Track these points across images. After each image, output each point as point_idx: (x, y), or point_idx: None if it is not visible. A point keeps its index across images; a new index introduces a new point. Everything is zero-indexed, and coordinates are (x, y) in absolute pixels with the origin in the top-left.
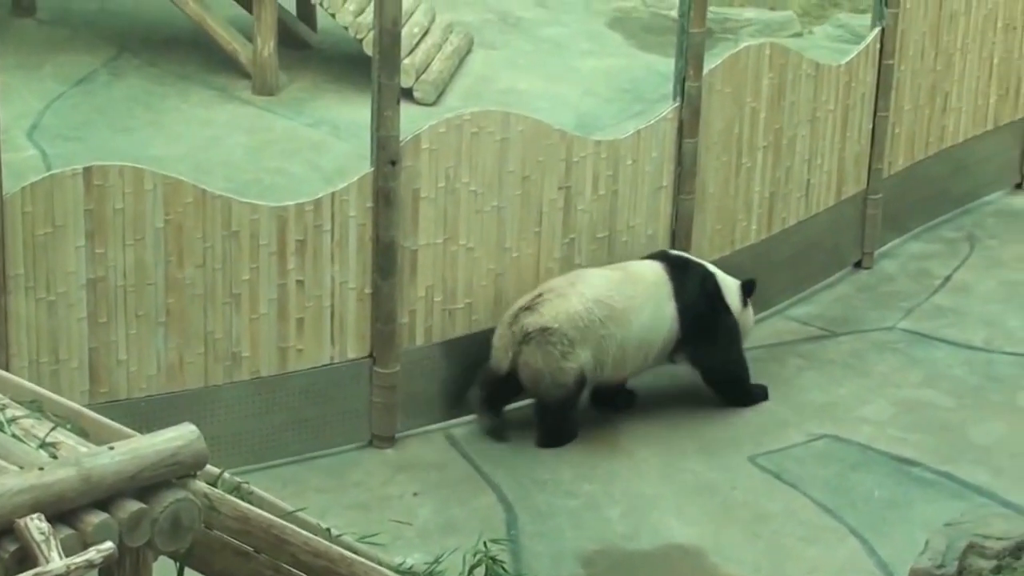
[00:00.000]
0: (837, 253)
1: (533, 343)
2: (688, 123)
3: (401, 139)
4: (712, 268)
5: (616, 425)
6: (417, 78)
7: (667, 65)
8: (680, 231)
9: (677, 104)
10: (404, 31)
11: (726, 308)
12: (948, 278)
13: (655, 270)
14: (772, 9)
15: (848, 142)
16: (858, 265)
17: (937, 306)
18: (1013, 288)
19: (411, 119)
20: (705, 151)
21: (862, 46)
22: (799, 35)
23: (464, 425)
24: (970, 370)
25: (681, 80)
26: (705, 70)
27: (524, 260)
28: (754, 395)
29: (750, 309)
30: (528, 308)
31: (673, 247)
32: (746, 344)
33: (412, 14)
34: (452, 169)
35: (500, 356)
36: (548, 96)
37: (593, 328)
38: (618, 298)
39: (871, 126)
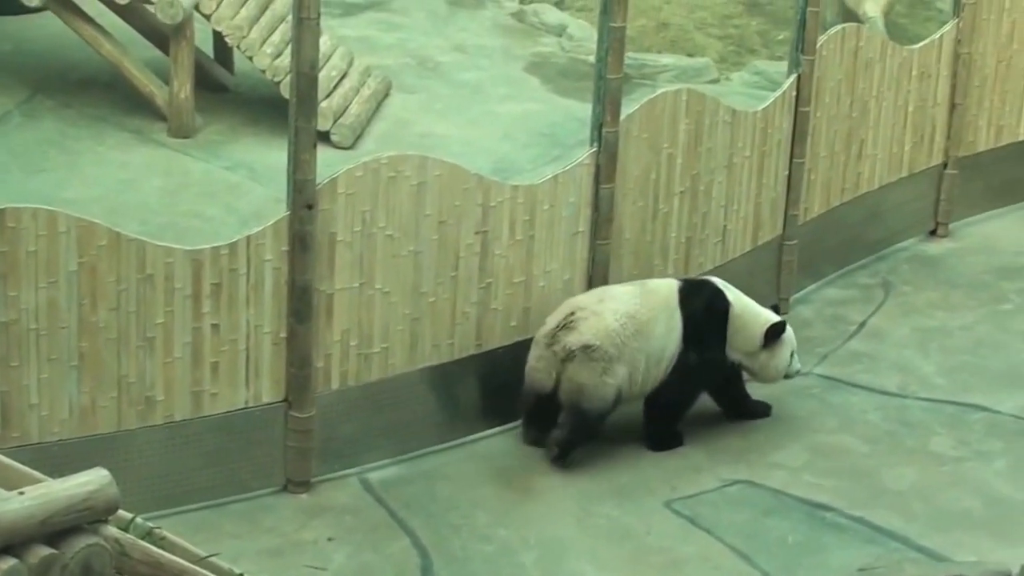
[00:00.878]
0: (753, 298)
1: (576, 360)
2: (605, 168)
3: (318, 183)
4: (733, 298)
5: (531, 468)
6: (335, 121)
7: (584, 110)
8: (596, 276)
9: (594, 149)
10: (322, 74)
11: (718, 340)
12: (863, 324)
13: (667, 286)
14: (689, 55)
15: (764, 188)
16: (776, 311)
17: (852, 352)
18: (927, 334)
19: (328, 163)
20: (622, 196)
21: (778, 93)
22: (716, 81)
23: (379, 469)
24: (884, 416)
25: (598, 126)
26: (622, 116)
27: (440, 304)
28: (670, 438)
29: (778, 352)
30: (565, 327)
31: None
32: (751, 386)
33: (330, 57)
34: (369, 213)
35: (543, 376)
36: (466, 141)
37: (628, 344)
38: (643, 312)
39: (787, 172)
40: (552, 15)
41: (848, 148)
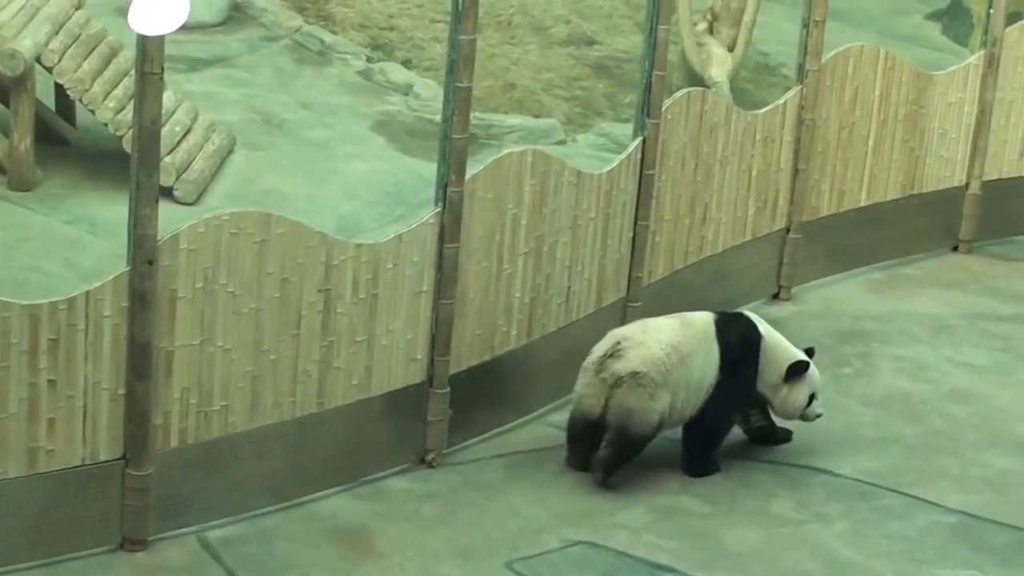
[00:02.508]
0: None
1: (625, 386)
2: (449, 228)
3: (159, 238)
4: (765, 331)
5: (370, 527)
6: (178, 177)
7: (430, 169)
8: (440, 336)
9: (439, 209)
10: (165, 129)
11: (751, 371)
12: None
13: (704, 318)
14: (536, 116)
15: (609, 250)
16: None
17: None
18: None
19: (171, 218)
20: (466, 256)
21: (623, 155)
22: (563, 143)
23: (218, 528)
24: (725, 477)
25: (443, 185)
26: (467, 176)
27: (282, 362)
28: (707, 464)
29: (796, 390)
30: (612, 356)
31: (432, 352)
32: (782, 422)
33: (174, 112)
34: (210, 270)
35: (591, 403)
36: (310, 198)
37: (671, 373)
38: (683, 343)
39: (632, 234)
40: (399, 74)
41: (692, 211)
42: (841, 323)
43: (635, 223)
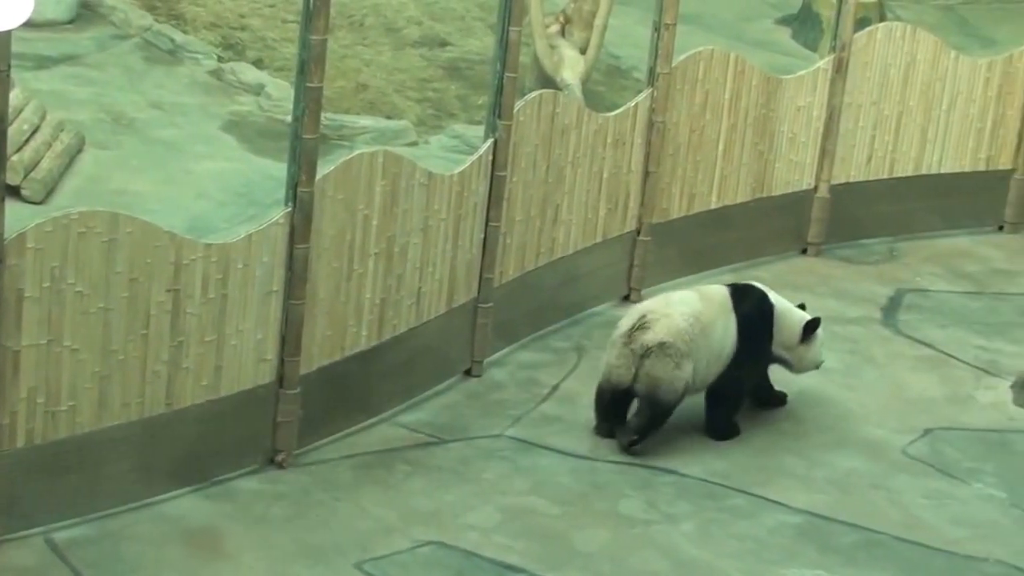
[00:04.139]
0: (447, 361)
1: (654, 356)
2: (300, 228)
3: (5, 237)
4: (775, 299)
5: (219, 528)
6: (25, 176)
7: (281, 170)
8: (290, 336)
9: (289, 209)
10: (13, 128)
11: (767, 337)
12: (556, 387)
13: (721, 291)
14: (388, 118)
15: (460, 251)
16: (468, 373)
17: (544, 414)
18: None
19: (18, 217)
20: (316, 257)
21: (474, 157)
22: (415, 144)
23: (65, 529)
24: (575, 478)
25: (294, 185)
26: (318, 176)
27: (130, 363)
28: (731, 428)
29: (813, 346)
30: (641, 328)
31: (282, 353)
32: (801, 375)
33: (21, 111)
34: (58, 269)
35: (622, 373)
36: (160, 198)
37: (695, 342)
38: (704, 314)
39: (483, 236)
40: (250, 74)
41: (544, 213)
42: None
43: (486, 224)
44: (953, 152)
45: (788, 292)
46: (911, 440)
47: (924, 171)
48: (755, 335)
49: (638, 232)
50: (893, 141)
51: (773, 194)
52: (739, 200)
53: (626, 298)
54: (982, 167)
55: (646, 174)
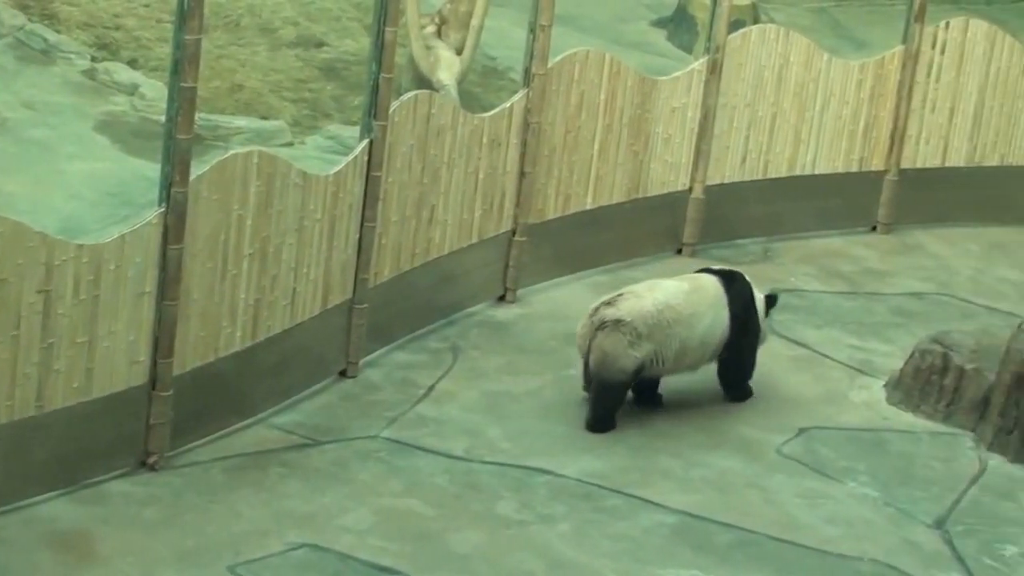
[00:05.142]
0: (322, 362)
1: (607, 330)
2: (173, 229)
3: None
4: (748, 279)
5: (90, 531)
6: None
7: (155, 170)
8: (163, 338)
9: (162, 210)
10: None
11: (757, 314)
12: (431, 388)
13: (712, 282)
14: (264, 118)
15: (335, 251)
16: (343, 374)
17: (420, 415)
18: (494, 398)
19: None
20: (190, 257)
21: (350, 157)
22: (290, 144)
23: None
24: (450, 479)
25: (167, 186)
26: (192, 176)
27: (0, 365)
28: (749, 390)
29: (767, 317)
30: (608, 303)
31: (155, 354)
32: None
33: None
34: None
35: (581, 344)
36: (32, 199)
37: (660, 327)
38: (685, 305)
39: (358, 236)
40: (124, 74)
41: (419, 213)
42: (566, 325)
43: (362, 225)
44: (826, 153)
45: None
46: (786, 440)
47: (798, 172)
48: (747, 313)
49: (514, 233)
50: (767, 142)
51: (648, 195)
52: (614, 200)
53: (501, 298)
54: (855, 168)
55: (522, 175)
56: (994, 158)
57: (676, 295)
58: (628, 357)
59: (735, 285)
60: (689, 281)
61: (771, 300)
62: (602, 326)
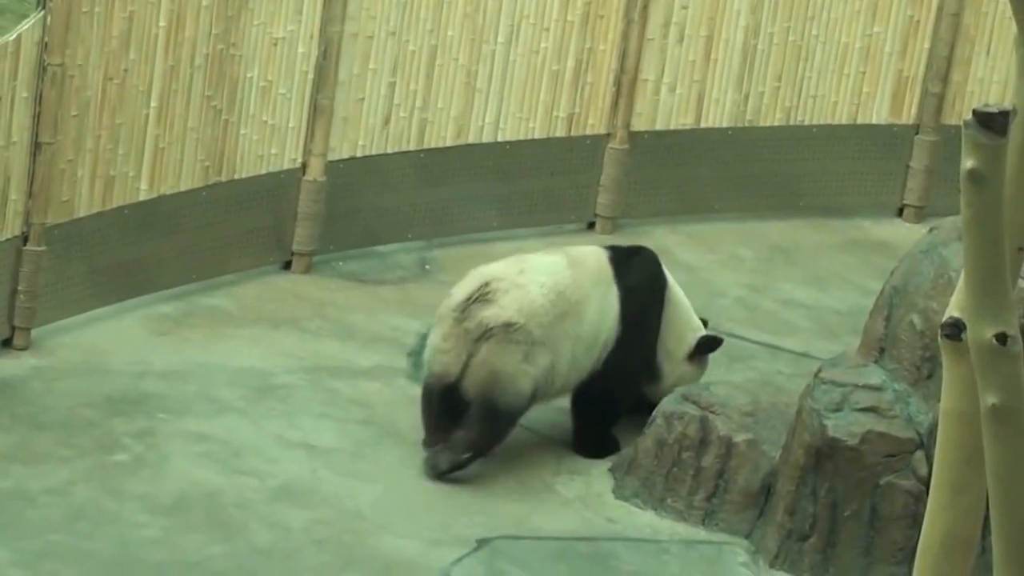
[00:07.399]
0: None
1: (494, 340)
2: None
3: None
4: (671, 278)
5: None
6: None
7: None
8: None
9: None
10: None
11: (656, 323)
12: None
13: (597, 255)
14: None
15: None
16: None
17: None
18: None
19: None
20: None
21: None
22: None
23: None
24: None
25: None
26: None
27: None
28: (606, 441)
29: (698, 371)
30: (480, 300)
31: None
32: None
33: None
34: None
35: (448, 361)
36: None
37: (554, 326)
38: (573, 288)
39: None
40: None
41: None
42: (111, 382)
43: None
44: (515, 109)
45: (263, 329)
46: (458, 557)
47: (472, 139)
48: (643, 317)
49: (24, 239)
50: (424, 93)
51: (238, 177)
52: (184, 187)
53: (5, 343)
54: (560, 132)
55: (36, 148)
56: (775, 115)
57: (560, 275)
58: (525, 375)
59: (633, 266)
60: (564, 253)
61: (709, 343)
62: (486, 335)
